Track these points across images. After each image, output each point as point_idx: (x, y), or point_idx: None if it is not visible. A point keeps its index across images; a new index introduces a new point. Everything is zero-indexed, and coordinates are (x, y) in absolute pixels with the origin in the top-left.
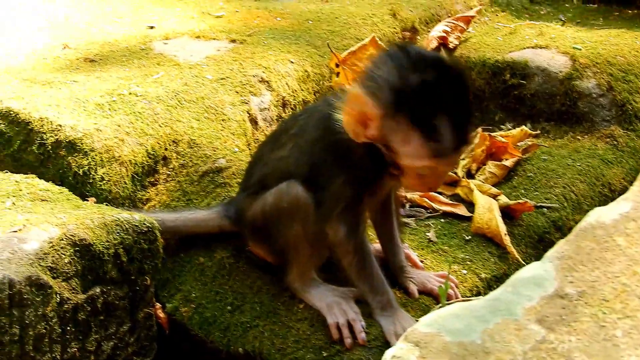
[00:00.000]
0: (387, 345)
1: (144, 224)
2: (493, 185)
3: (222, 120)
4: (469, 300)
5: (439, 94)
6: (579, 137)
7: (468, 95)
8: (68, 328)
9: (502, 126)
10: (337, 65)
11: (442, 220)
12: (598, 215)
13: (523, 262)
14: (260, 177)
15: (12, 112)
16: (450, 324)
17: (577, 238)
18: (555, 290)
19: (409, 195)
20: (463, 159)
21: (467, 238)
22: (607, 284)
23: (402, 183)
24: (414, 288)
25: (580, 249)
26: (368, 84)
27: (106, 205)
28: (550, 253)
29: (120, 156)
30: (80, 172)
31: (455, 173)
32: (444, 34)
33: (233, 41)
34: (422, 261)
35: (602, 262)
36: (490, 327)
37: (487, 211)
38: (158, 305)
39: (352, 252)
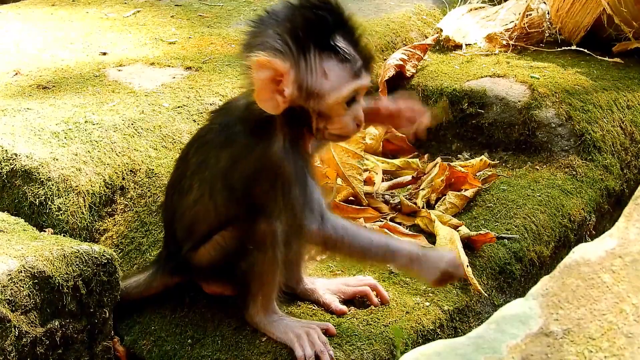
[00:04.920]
0: None
1: (104, 255)
2: (453, 216)
3: (180, 149)
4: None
5: (322, 18)
6: (538, 167)
7: (340, 9)
8: None
9: (459, 155)
10: None
11: None
12: (583, 251)
13: (485, 294)
14: (187, 230)
15: None
16: None
17: (562, 275)
18: (540, 328)
19: (368, 226)
20: (423, 189)
21: None
22: (593, 321)
23: (329, 136)
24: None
25: (566, 286)
26: (263, 48)
27: (64, 236)
28: (535, 290)
29: (77, 186)
30: (37, 202)
31: (415, 203)
32: (401, 62)
33: (188, 68)
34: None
35: (588, 300)
36: None
37: (449, 242)
38: (116, 338)
39: (335, 238)
